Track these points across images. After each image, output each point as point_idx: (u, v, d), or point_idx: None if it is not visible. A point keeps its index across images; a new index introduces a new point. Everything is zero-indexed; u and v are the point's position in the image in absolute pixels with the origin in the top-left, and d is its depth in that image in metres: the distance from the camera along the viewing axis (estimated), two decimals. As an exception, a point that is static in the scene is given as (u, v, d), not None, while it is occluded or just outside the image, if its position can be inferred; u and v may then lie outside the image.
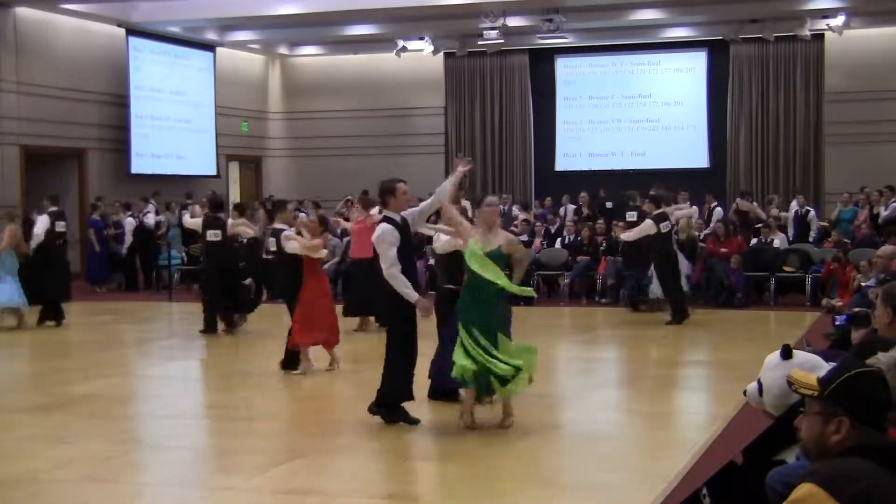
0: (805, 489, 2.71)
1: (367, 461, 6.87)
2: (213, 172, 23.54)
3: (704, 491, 5.14)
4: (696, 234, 16.95)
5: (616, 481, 6.43)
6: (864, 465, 2.75)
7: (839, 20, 20.93)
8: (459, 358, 7.27)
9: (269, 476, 6.53)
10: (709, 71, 24.18)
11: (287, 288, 10.32)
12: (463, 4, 20.17)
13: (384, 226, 7.57)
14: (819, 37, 22.38)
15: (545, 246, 17.87)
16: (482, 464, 6.81)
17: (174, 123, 22.50)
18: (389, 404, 7.67)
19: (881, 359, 3.50)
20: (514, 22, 21.15)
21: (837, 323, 10.01)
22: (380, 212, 8.58)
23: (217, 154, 23.65)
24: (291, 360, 10.13)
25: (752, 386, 6.23)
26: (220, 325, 13.09)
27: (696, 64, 24.39)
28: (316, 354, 10.18)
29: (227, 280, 13.11)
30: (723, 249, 15.85)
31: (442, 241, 8.46)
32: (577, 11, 20.84)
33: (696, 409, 9.08)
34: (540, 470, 6.73)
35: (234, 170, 25.45)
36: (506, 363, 7.26)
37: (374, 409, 7.69)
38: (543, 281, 17.27)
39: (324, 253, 10.14)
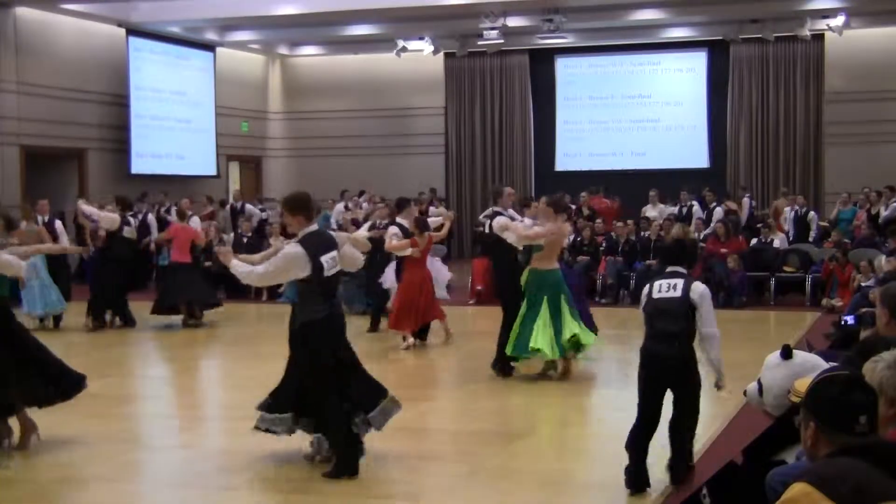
0: (798, 488, 2.73)
1: (368, 461, 6.86)
2: (213, 172, 23.54)
3: (704, 491, 5.14)
4: (697, 234, 16.94)
5: (616, 481, 6.43)
6: (856, 465, 2.77)
7: (839, 20, 20.92)
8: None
9: (270, 476, 6.53)
10: (709, 71, 24.17)
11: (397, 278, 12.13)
12: (463, 4, 20.16)
13: (499, 218, 9.85)
14: (819, 37, 22.37)
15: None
16: (482, 464, 6.81)
17: (174, 123, 22.48)
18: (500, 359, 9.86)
19: (885, 357, 3.51)
20: (514, 22, 21.14)
21: (845, 323, 10.02)
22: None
23: (217, 154, 23.63)
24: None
25: (752, 386, 6.23)
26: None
27: (696, 64, 24.38)
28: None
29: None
30: (723, 249, 15.84)
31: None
32: (577, 11, 20.82)
33: (696, 409, 9.05)
34: (540, 470, 6.73)
35: (234, 170, 25.42)
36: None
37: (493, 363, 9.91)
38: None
39: (409, 252, 11.51)
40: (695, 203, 19.38)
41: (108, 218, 13.52)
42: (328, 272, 6.34)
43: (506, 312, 10.04)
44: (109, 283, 13.55)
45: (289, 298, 15.14)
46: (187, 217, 14.76)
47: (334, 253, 6.42)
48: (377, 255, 12.15)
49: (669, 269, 6.30)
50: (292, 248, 6.38)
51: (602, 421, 8.61)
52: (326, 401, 6.39)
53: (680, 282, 6.13)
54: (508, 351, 9.62)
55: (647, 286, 6.24)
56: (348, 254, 6.71)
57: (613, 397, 9.52)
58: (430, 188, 23.38)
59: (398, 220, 12.26)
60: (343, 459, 6.38)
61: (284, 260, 6.36)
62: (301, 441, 7.21)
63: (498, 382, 9.82)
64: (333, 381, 6.40)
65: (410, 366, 11.11)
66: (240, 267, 6.52)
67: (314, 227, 6.52)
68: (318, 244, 6.37)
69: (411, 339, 11.66)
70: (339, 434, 6.44)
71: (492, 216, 10.15)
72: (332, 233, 6.69)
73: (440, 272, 13.30)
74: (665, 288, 6.11)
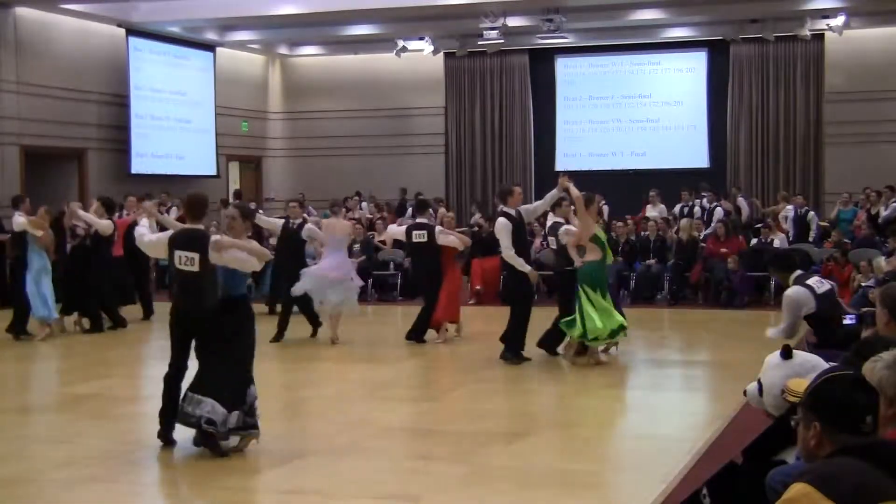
0: (798, 488, 2.73)
1: (367, 461, 6.87)
2: (213, 172, 23.53)
3: (704, 491, 5.14)
4: (697, 234, 16.95)
5: (616, 481, 6.43)
6: (855, 464, 2.77)
7: (839, 20, 20.91)
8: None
9: (269, 476, 6.54)
10: (709, 71, 24.16)
11: (430, 274, 12.05)
12: (463, 4, 20.15)
13: (501, 219, 10.21)
14: (819, 37, 22.36)
15: (545, 246, 17.83)
16: (482, 464, 6.81)
17: (174, 123, 22.47)
18: (511, 348, 10.36)
19: (884, 356, 3.51)
20: (514, 22, 21.13)
21: (846, 322, 10.02)
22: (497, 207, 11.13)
23: (217, 154, 23.62)
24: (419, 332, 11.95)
25: (752, 386, 6.23)
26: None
27: (696, 64, 24.37)
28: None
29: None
30: (723, 249, 15.84)
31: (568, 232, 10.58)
32: (577, 11, 20.82)
33: (696, 409, 9.07)
34: (540, 470, 6.73)
35: (234, 170, 25.41)
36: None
37: (504, 354, 10.40)
38: (544, 281, 17.24)
39: (463, 247, 12.30)
40: (701, 199, 19.40)
41: (104, 224, 13.65)
42: (177, 266, 6.95)
43: (518, 307, 10.54)
44: (96, 284, 13.54)
45: (262, 293, 15.17)
46: (116, 211, 14.84)
47: (191, 254, 6.86)
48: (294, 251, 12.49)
49: (800, 271, 7.50)
50: (168, 233, 7.32)
51: (602, 421, 8.61)
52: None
53: (819, 276, 7.65)
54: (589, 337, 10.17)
55: (804, 289, 7.31)
56: (231, 257, 6.89)
57: (615, 398, 9.53)
58: (401, 188, 23.27)
59: (418, 220, 12.62)
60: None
61: (159, 239, 7.25)
62: (304, 442, 7.22)
63: (498, 383, 9.84)
64: (176, 353, 7.24)
65: (410, 366, 11.12)
66: (139, 227, 7.62)
67: (198, 225, 7.13)
68: (182, 239, 6.99)
69: (450, 330, 12.07)
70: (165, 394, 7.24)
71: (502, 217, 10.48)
72: (212, 237, 6.97)
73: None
74: (820, 282, 7.48)
